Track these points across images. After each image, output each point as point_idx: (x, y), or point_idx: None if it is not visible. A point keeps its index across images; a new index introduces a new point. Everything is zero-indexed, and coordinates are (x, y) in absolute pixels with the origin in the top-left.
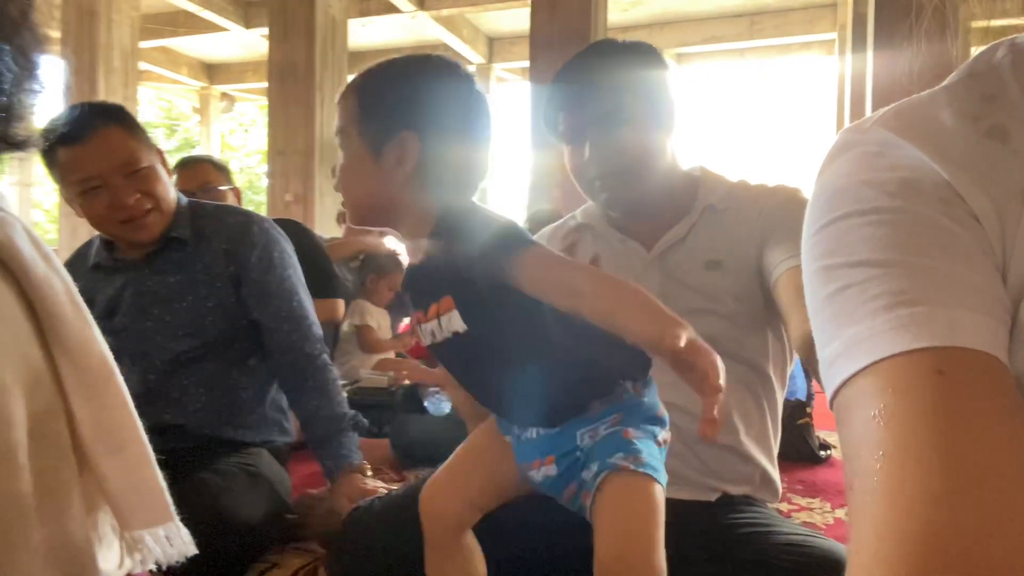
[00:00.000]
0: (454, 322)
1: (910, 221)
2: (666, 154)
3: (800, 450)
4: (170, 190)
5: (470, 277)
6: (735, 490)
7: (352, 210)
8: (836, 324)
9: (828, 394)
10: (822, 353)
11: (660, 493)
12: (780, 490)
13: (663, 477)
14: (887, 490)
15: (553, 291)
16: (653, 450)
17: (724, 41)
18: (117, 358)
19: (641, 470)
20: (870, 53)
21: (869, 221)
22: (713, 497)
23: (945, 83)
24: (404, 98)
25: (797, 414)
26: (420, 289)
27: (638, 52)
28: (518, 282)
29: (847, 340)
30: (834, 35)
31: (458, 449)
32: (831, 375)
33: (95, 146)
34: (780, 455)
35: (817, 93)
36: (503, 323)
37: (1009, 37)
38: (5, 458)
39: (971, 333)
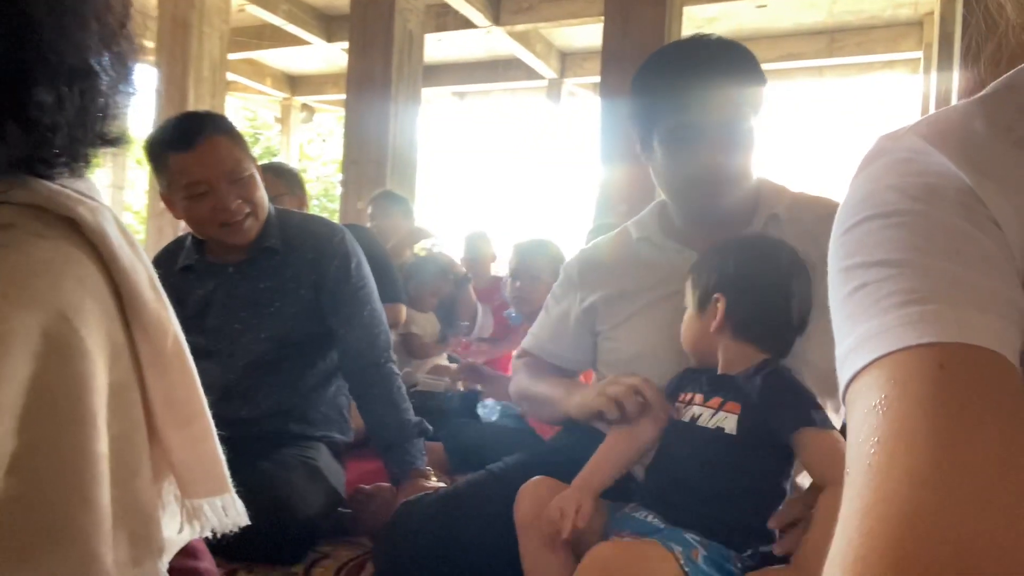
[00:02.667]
0: (728, 423)
1: (928, 224)
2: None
3: None
4: (265, 198)
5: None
6: None
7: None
8: (851, 322)
9: (840, 390)
10: (838, 350)
11: None
12: None
13: None
14: (875, 473)
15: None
16: None
17: (803, 59)
18: (204, 356)
19: None
20: (956, 73)
21: (889, 224)
22: None
23: (982, 94)
24: None
25: None
26: (710, 379)
27: (746, 57)
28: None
29: (859, 336)
30: (919, 54)
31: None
32: (843, 371)
33: (204, 153)
34: None
35: (900, 112)
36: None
37: None
38: (89, 421)
39: (977, 331)
